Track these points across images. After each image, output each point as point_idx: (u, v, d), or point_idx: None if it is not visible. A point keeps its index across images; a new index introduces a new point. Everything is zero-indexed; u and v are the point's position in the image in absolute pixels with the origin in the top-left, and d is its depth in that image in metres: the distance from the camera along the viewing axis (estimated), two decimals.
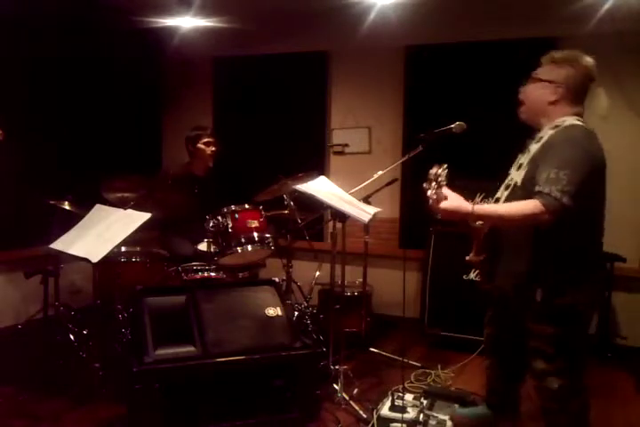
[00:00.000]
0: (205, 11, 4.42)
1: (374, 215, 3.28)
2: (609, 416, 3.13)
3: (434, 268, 4.15)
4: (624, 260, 4.01)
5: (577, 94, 2.28)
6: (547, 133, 2.22)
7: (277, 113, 5.13)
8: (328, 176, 4.03)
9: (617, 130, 4.17)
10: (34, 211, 3.91)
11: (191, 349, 2.75)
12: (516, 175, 2.28)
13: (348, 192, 3.28)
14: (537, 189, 2.07)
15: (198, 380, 2.68)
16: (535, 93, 2.30)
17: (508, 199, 2.28)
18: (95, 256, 2.92)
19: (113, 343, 3.35)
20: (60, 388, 3.14)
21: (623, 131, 4.16)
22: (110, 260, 3.34)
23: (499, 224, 2.25)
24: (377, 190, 3.83)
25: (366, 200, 3.77)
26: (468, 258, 2.52)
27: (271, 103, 5.16)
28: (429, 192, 2.08)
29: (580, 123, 2.23)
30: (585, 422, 2.33)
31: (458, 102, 4.41)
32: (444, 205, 2.08)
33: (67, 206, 3.55)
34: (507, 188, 2.33)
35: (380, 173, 3.30)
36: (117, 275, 3.42)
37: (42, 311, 3.66)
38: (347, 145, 4.96)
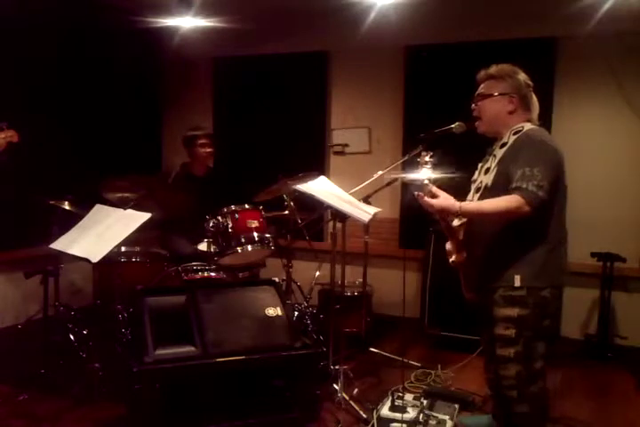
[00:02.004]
0: (205, 11, 4.43)
1: (374, 215, 3.28)
2: (609, 416, 3.14)
3: (434, 268, 4.15)
4: (624, 260, 4.01)
5: (526, 101, 2.46)
6: (510, 138, 2.40)
7: (277, 113, 5.13)
8: (328, 176, 4.03)
9: (617, 130, 4.17)
10: (34, 211, 3.91)
11: (191, 349, 2.74)
12: (485, 178, 2.44)
13: (348, 192, 3.28)
14: (514, 185, 2.25)
15: (198, 380, 2.68)
16: (493, 107, 2.47)
17: (479, 200, 2.43)
18: (95, 256, 2.91)
19: (113, 343, 3.35)
20: (60, 388, 3.15)
21: (623, 131, 4.16)
22: (110, 260, 3.34)
23: (483, 219, 2.41)
24: (377, 190, 3.83)
25: (366, 200, 3.76)
26: (451, 260, 2.57)
27: (271, 103, 5.16)
28: (426, 175, 2.26)
29: (536, 127, 2.44)
30: (545, 408, 2.47)
31: (458, 102, 4.39)
32: (434, 201, 2.27)
33: (67, 206, 3.54)
34: (477, 191, 2.48)
35: (380, 173, 3.30)
36: (117, 275, 3.42)
37: (42, 311, 3.65)
38: (347, 145, 4.96)
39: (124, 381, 2.89)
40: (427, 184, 2.27)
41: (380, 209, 3.66)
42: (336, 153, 5.02)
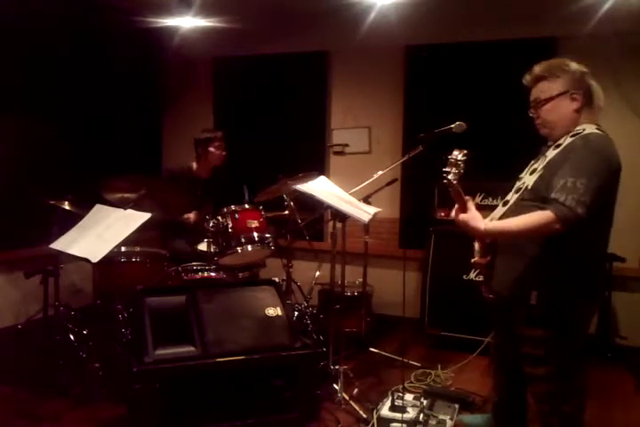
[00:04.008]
0: (205, 11, 4.42)
1: (374, 215, 3.28)
2: (609, 416, 3.13)
3: (434, 268, 4.15)
4: (624, 260, 4.01)
5: (590, 94, 2.24)
6: (566, 140, 2.19)
7: (277, 113, 5.13)
8: (328, 176, 4.03)
9: (617, 130, 4.15)
10: (34, 211, 3.91)
11: (191, 349, 2.74)
12: (529, 179, 2.25)
13: (348, 192, 3.28)
14: (552, 196, 2.06)
15: (198, 380, 2.68)
16: (556, 111, 2.25)
17: (517, 202, 2.28)
18: (95, 256, 2.92)
19: (113, 343, 3.35)
20: (60, 388, 3.14)
21: (623, 131, 4.15)
22: (110, 260, 3.35)
23: (512, 239, 2.24)
24: (377, 190, 3.83)
25: (366, 200, 3.77)
26: (473, 260, 2.48)
27: (271, 103, 5.16)
28: (450, 176, 2.09)
29: (599, 131, 2.23)
30: (580, 424, 2.33)
31: (458, 102, 4.41)
32: (460, 218, 2.13)
33: (67, 206, 3.55)
34: (517, 191, 2.32)
35: (380, 173, 3.30)
36: (117, 275, 3.42)
37: (42, 311, 3.66)
38: (347, 145, 4.97)
39: (124, 381, 2.89)
40: (454, 186, 2.10)
41: (379, 209, 3.66)
42: (336, 153, 5.02)
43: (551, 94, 2.23)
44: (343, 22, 4.64)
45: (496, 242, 2.34)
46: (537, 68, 2.26)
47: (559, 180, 2.06)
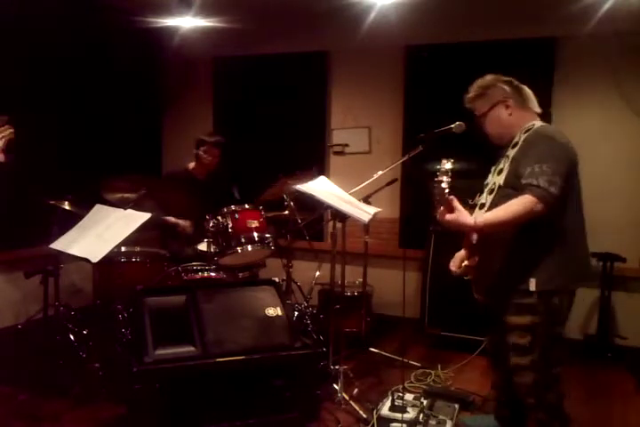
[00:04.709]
0: (205, 11, 4.43)
1: (374, 215, 3.28)
2: (609, 416, 3.14)
3: (434, 268, 4.14)
4: (624, 260, 4.01)
5: (520, 98, 2.45)
6: (521, 137, 2.36)
7: (277, 113, 5.13)
8: (328, 176, 4.03)
9: (617, 130, 4.17)
10: (34, 211, 3.91)
11: (191, 349, 2.74)
12: (498, 179, 2.39)
13: (348, 192, 3.28)
14: (524, 182, 2.19)
15: (198, 380, 2.68)
16: (495, 120, 2.47)
17: (493, 201, 2.38)
18: (95, 256, 2.92)
19: (113, 343, 3.35)
20: (60, 388, 3.14)
21: (623, 131, 4.16)
22: (110, 260, 3.35)
23: (502, 229, 2.31)
24: (377, 190, 3.83)
25: (366, 200, 3.77)
26: (464, 264, 2.53)
27: (271, 103, 5.16)
28: (444, 185, 2.18)
29: (547, 124, 2.44)
30: (562, 412, 2.42)
31: (458, 102, 4.40)
32: (449, 218, 2.21)
33: (67, 206, 3.54)
34: (490, 192, 2.43)
35: (380, 173, 3.30)
36: (117, 275, 3.42)
37: (42, 311, 3.66)
38: (347, 145, 4.97)
39: (124, 381, 2.89)
40: (446, 196, 2.17)
41: (379, 209, 3.66)
42: (336, 153, 5.02)
43: (484, 109, 2.47)
44: (343, 22, 4.64)
45: (483, 242, 2.40)
46: (470, 92, 2.51)
47: (525, 168, 2.22)
